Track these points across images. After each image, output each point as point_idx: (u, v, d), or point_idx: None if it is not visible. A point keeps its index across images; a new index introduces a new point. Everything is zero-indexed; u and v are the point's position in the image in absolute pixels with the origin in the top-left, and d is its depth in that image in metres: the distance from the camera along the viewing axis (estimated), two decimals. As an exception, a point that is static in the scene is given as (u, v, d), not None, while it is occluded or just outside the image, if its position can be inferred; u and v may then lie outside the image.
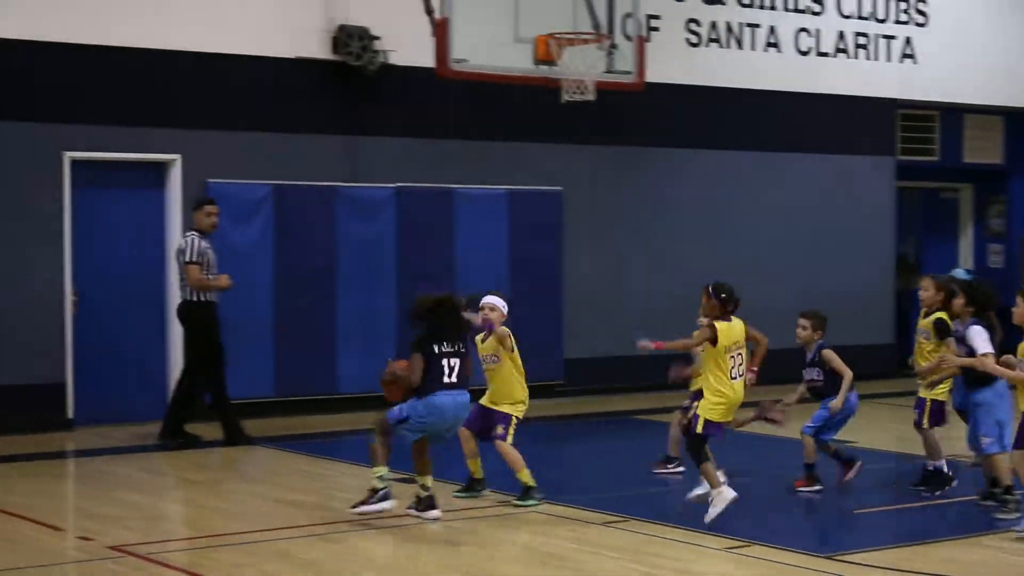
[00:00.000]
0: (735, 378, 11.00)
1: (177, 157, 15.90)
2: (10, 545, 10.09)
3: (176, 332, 15.78)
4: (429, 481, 10.87)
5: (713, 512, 10.79)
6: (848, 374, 12.23)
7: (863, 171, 20.85)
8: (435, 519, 10.82)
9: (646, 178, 18.97)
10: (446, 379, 10.61)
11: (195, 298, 14.34)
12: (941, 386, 12.26)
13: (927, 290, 12.21)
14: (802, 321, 12.41)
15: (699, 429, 10.94)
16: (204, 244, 14.38)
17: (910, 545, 10.52)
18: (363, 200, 16.87)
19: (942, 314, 12.00)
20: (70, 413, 15.21)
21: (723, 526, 10.76)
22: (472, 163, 17.67)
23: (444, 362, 10.64)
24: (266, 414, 16.08)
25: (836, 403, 12.18)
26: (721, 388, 10.95)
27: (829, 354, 12.33)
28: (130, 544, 10.11)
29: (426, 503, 10.86)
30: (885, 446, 14.62)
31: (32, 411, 15.06)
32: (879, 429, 15.56)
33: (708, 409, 10.94)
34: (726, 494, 10.82)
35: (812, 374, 12.40)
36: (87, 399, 15.25)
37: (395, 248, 17.00)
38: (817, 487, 12.20)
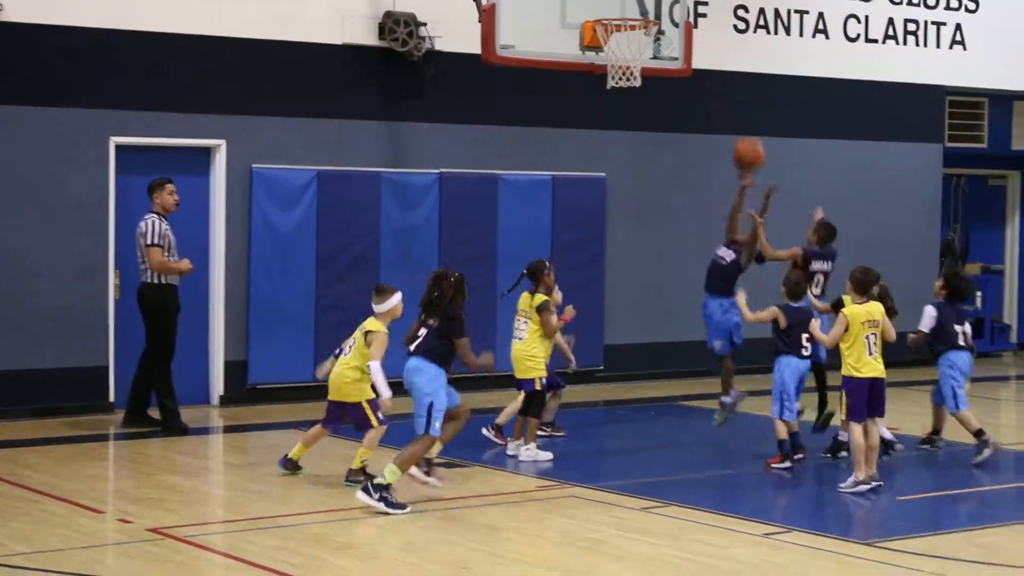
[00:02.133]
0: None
1: (222, 143, 15.93)
2: (50, 527, 10.15)
3: (219, 316, 15.86)
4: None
5: None
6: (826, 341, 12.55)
7: (911, 157, 20.69)
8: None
9: (690, 165, 18.89)
10: None
11: (155, 281, 14.22)
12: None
13: None
14: None
15: None
16: (165, 226, 14.21)
17: (951, 532, 10.46)
18: (407, 186, 16.88)
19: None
20: (111, 396, 15.29)
21: (762, 512, 10.73)
22: (516, 149, 17.64)
23: None
24: (307, 399, 16.10)
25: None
26: None
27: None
28: (169, 527, 10.16)
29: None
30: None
31: (74, 394, 15.14)
32: (923, 415, 15.42)
33: None
34: None
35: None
36: (129, 383, 15.30)
37: (438, 234, 16.99)
38: (788, 464, 12.64)
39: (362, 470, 11.52)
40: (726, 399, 13.99)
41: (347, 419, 11.76)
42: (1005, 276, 23.16)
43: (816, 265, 13.93)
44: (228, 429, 14.94)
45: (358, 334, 11.66)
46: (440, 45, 16.87)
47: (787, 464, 12.62)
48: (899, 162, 20.59)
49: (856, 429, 11.63)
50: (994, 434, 13.58)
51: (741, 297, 13.18)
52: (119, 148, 15.39)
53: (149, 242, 14.14)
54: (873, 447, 11.71)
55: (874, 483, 11.55)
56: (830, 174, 19.96)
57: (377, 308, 11.63)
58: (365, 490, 10.70)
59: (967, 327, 13.66)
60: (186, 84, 15.75)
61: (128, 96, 15.44)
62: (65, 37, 15.14)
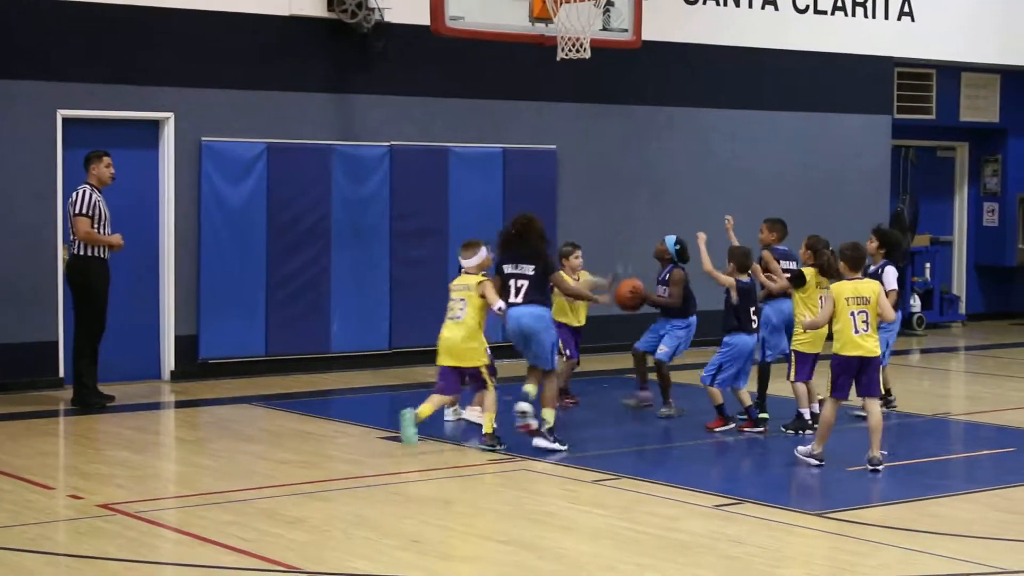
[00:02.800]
0: None
1: (170, 115, 15.82)
2: (0, 504, 10.08)
3: (169, 291, 15.78)
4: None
5: None
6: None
7: (860, 129, 20.78)
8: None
9: (641, 136, 18.91)
10: None
11: (84, 252, 14.09)
12: (798, 337, 12.92)
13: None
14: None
15: None
16: (97, 197, 14.07)
17: (902, 502, 10.53)
18: (357, 158, 16.81)
19: (806, 269, 12.95)
20: (61, 372, 15.19)
21: (714, 483, 10.77)
22: (466, 121, 17.61)
23: None
24: (258, 373, 16.09)
25: None
26: None
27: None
28: (120, 502, 10.11)
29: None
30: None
31: (24, 369, 15.05)
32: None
33: None
34: None
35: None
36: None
37: (388, 206, 16.95)
38: (730, 425, 12.95)
39: (493, 433, 12.07)
40: (644, 394, 14.11)
41: (464, 382, 12.35)
42: (954, 247, 23.33)
43: (784, 265, 13.55)
44: (180, 404, 14.89)
45: (463, 293, 12.16)
46: (389, 16, 16.80)
47: (730, 425, 12.84)
48: (848, 133, 20.67)
49: (829, 404, 11.44)
50: (943, 405, 13.71)
51: (702, 237, 13.27)
52: (66, 121, 15.27)
53: (77, 211, 13.99)
54: (875, 428, 11.35)
55: (872, 467, 11.30)
56: (779, 146, 20.03)
57: (467, 263, 12.30)
58: (542, 436, 12.00)
59: None
60: (134, 56, 15.63)
61: (75, 69, 15.30)
62: (11, 9, 14.99)
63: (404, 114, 17.17)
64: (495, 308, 11.94)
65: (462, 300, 12.11)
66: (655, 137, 18.99)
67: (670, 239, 13.89)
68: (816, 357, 12.88)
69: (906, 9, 21.17)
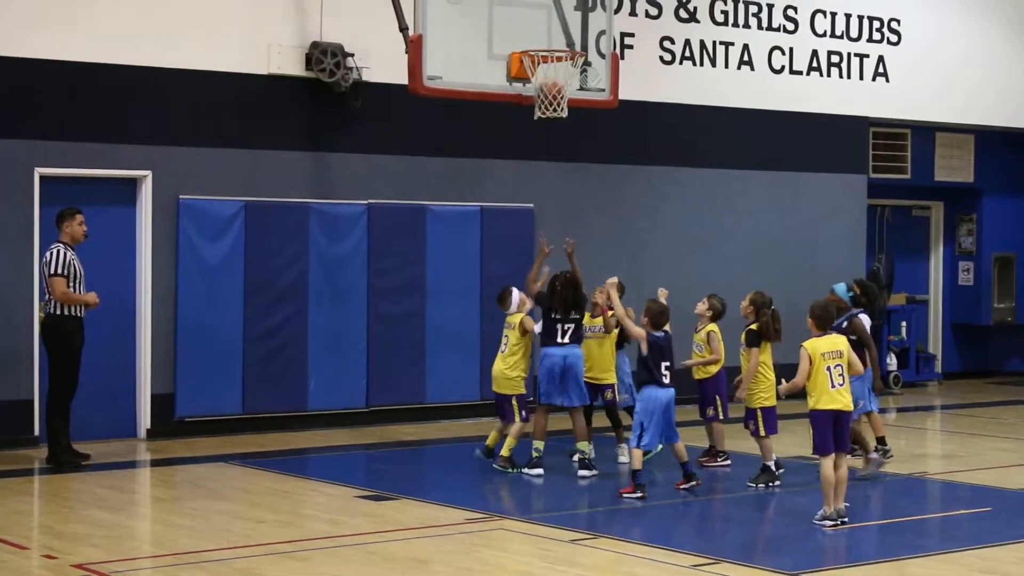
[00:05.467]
0: None
1: (148, 173, 15.83)
2: (-27, 563, 10.02)
3: (146, 348, 15.73)
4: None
5: None
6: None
7: (836, 188, 20.90)
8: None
9: (618, 195, 18.97)
10: None
11: (59, 312, 14.08)
12: (761, 394, 13.37)
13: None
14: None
15: None
16: (71, 255, 14.09)
17: (878, 563, 10.52)
18: (335, 217, 16.83)
19: (754, 326, 13.40)
20: (36, 431, 15.12)
21: (690, 542, 10.75)
22: (444, 180, 17.65)
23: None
24: (235, 431, 16.03)
25: None
26: None
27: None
28: (95, 562, 10.04)
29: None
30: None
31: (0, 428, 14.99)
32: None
33: None
34: None
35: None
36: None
37: (366, 264, 16.96)
38: (639, 494, 12.67)
39: (510, 458, 13.80)
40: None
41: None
42: (929, 306, 23.42)
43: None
44: (155, 463, 14.83)
45: (507, 332, 14.05)
46: (367, 76, 16.87)
47: (639, 494, 12.60)
48: (824, 192, 20.78)
49: (824, 463, 11.46)
50: (920, 465, 13.73)
51: (613, 282, 13.85)
52: (43, 179, 15.26)
53: (52, 271, 13.98)
54: (841, 480, 11.50)
55: (840, 519, 11.44)
56: (756, 204, 20.12)
57: (509, 310, 14.12)
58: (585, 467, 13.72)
59: None
60: (111, 115, 15.65)
61: (53, 127, 15.32)
62: (-11, 67, 15.02)
63: (382, 172, 17.21)
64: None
65: (505, 338, 14.05)
66: (632, 195, 19.05)
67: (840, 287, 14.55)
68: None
69: (880, 70, 21.34)
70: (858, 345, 13.29)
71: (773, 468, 13.24)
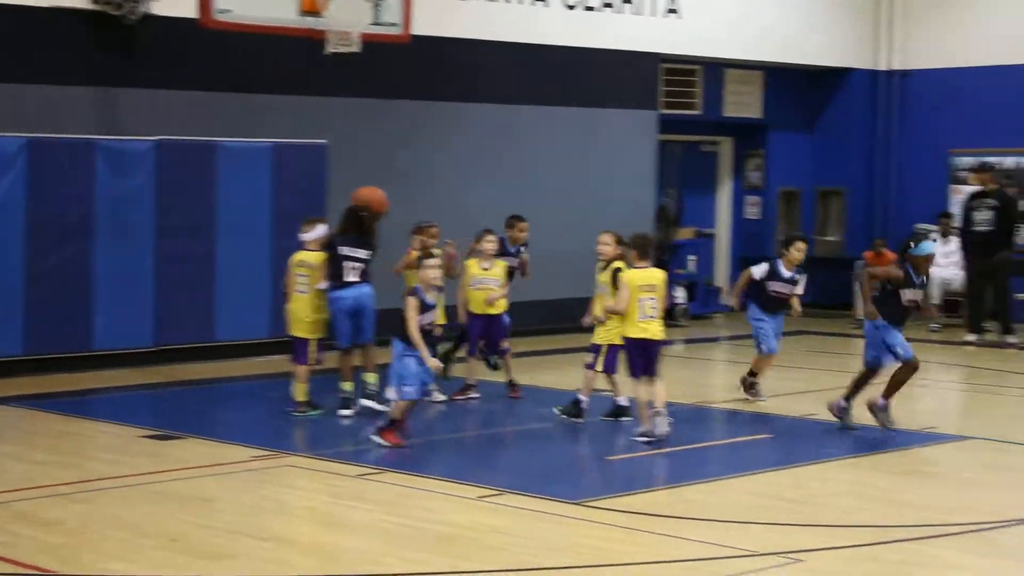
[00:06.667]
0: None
1: (-74, 109, 15.39)
2: None
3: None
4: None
5: None
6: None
7: (626, 124, 21.13)
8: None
9: (412, 131, 18.93)
10: None
11: None
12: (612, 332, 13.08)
13: (607, 244, 13.18)
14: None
15: None
16: None
17: (658, 489, 10.77)
18: (121, 153, 16.49)
19: (619, 264, 12.88)
20: None
21: (476, 475, 10.89)
22: (235, 116, 17.41)
23: None
24: (16, 373, 15.64)
25: None
26: None
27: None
28: None
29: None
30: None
31: None
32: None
33: None
34: None
35: None
36: None
37: (154, 203, 16.66)
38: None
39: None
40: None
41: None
42: (716, 240, 23.88)
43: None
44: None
45: (304, 271, 13.56)
46: (156, 9, 16.52)
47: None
48: (616, 128, 21.01)
49: (635, 386, 12.18)
50: (705, 394, 14.04)
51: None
52: None
53: None
54: (653, 404, 12.09)
55: (651, 438, 12.01)
56: (548, 141, 20.25)
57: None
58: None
59: None
60: None
61: None
62: None
63: (171, 108, 16.91)
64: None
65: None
66: (426, 132, 19.03)
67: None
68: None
69: (672, 6, 21.58)
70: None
71: (624, 405, 13.22)
